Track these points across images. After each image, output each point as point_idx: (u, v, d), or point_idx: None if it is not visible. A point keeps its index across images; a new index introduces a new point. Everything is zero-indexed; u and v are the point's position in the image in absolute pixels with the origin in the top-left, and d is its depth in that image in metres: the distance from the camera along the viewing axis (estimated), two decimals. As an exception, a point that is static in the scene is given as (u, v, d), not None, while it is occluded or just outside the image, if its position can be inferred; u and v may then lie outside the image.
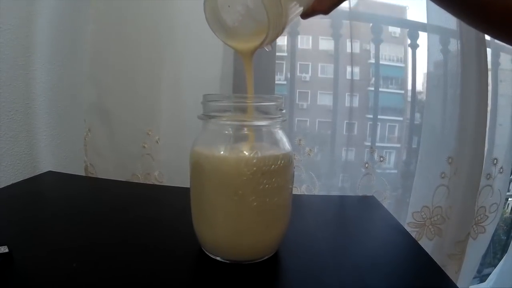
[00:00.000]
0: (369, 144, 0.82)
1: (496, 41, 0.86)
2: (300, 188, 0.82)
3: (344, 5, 0.76)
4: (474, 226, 0.86)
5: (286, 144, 0.40)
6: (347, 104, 0.80)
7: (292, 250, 0.44)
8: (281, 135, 0.41)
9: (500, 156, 0.87)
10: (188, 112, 0.75)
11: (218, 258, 0.40)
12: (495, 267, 1.06)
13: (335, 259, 0.43)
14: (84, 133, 0.83)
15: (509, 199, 1.10)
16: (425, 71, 0.82)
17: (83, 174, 0.83)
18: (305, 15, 0.39)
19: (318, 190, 0.82)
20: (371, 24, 0.82)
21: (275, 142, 0.40)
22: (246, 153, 0.37)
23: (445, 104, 0.80)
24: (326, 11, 0.40)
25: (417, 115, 0.86)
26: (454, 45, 0.78)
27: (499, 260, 1.06)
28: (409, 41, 0.84)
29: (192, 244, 0.43)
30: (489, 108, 0.84)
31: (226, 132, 0.39)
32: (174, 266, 0.39)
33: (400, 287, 0.39)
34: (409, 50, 0.84)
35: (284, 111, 0.41)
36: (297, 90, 0.84)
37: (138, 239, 0.45)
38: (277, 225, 0.41)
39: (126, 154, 0.80)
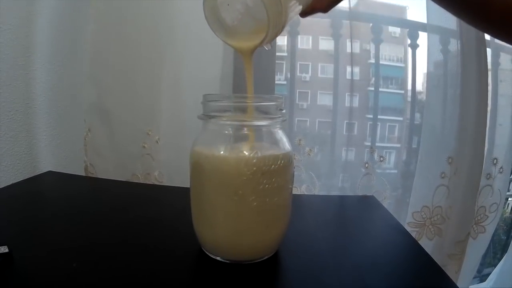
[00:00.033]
0: (369, 144, 0.83)
1: (496, 41, 0.86)
2: (300, 188, 0.82)
3: (344, 5, 0.77)
4: (474, 226, 0.86)
5: (286, 144, 0.40)
6: (347, 104, 0.80)
7: (292, 250, 0.44)
8: (281, 135, 0.41)
9: (500, 156, 0.87)
10: (188, 112, 0.75)
11: (218, 258, 0.40)
12: (495, 267, 1.06)
13: (335, 259, 0.43)
14: (84, 133, 0.83)
15: (509, 199, 1.10)
16: (425, 71, 0.82)
17: (83, 174, 0.83)
18: (304, 13, 0.39)
19: (318, 190, 0.82)
20: (371, 24, 0.82)
21: (275, 142, 0.40)
22: (246, 153, 0.37)
23: (445, 104, 0.80)
24: (325, 9, 0.40)
25: (417, 115, 0.86)
26: (454, 45, 0.78)
27: (499, 260, 1.06)
28: (409, 41, 0.84)
29: (192, 244, 0.43)
30: (489, 108, 0.84)
31: (226, 132, 0.39)
32: (174, 266, 0.39)
33: (400, 287, 0.39)
34: (409, 50, 0.84)
35: (284, 111, 0.41)
36: (297, 90, 0.84)
37: (138, 239, 0.45)
38: (277, 225, 0.41)
39: (126, 154, 0.80)
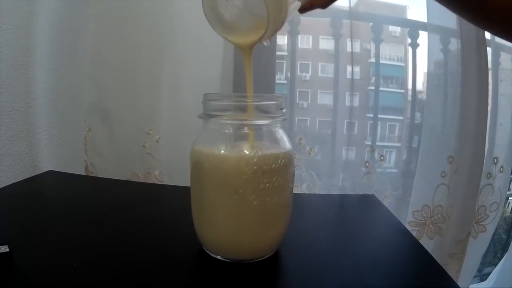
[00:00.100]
0: (369, 143, 0.82)
1: (497, 40, 0.86)
2: (301, 187, 0.82)
3: (344, 5, 0.77)
4: (475, 225, 0.86)
5: (286, 143, 0.40)
6: (347, 103, 0.80)
7: (293, 249, 0.44)
8: (281, 134, 0.41)
9: (501, 155, 0.87)
10: (188, 112, 0.75)
11: (218, 257, 0.40)
12: (495, 266, 1.06)
13: (335, 259, 0.43)
14: (84, 132, 0.83)
15: (510, 198, 1.10)
16: (426, 70, 0.82)
17: (83, 173, 0.83)
18: (303, 9, 0.39)
19: (318, 189, 0.82)
20: (371, 24, 0.82)
21: (276, 141, 0.40)
22: (247, 152, 0.37)
23: (446, 104, 0.80)
24: (323, 5, 0.40)
25: (418, 114, 0.86)
26: (454, 44, 0.78)
27: (500, 259, 1.06)
28: (409, 41, 0.83)
29: (193, 243, 0.43)
30: (489, 108, 0.84)
31: (227, 131, 0.39)
32: (175, 265, 0.39)
33: (401, 286, 0.39)
34: (410, 50, 0.84)
35: (284, 110, 0.41)
36: (298, 89, 0.84)
37: (139, 239, 0.45)
38: (278, 224, 0.41)
39: (126, 153, 0.80)
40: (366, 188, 0.81)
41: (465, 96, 0.78)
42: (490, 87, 0.82)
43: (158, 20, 0.74)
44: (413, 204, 0.83)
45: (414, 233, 0.80)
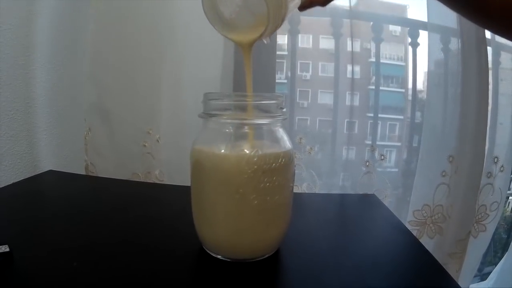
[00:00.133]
0: (369, 142, 0.82)
1: (497, 39, 0.86)
2: (301, 187, 0.82)
3: (344, 4, 0.77)
4: (475, 225, 0.86)
5: (286, 143, 0.40)
6: (347, 102, 0.80)
7: (293, 249, 0.44)
8: (281, 133, 0.41)
9: (501, 155, 0.87)
10: (188, 111, 0.75)
11: (219, 257, 0.40)
12: (496, 266, 1.06)
13: (335, 258, 0.43)
14: (85, 132, 0.83)
15: (510, 197, 1.10)
16: (426, 69, 0.82)
17: (83, 173, 0.83)
18: (303, 7, 0.39)
19: (319, 188, 0.82)
20: (371, 23, 0.81)
21: (276, 141, 0.40)
22: (247, 151, 0.37)
23: (446, 103, 0.80)
24: (323, 3, 0.40)
25: (418, 113, 0.86)
26: (454, 43, 0.78)
27: (500, 258, 1.06)
28: (409, 40, 0.83)
29: (193, 243, 0.43)
30: (489, 107, 0.84)
31: (227, 130, 0.39)
32: (175, 264, 0.39)
33: (401, 286, 0.39)
34: (410, 49, 0.84)
35: (284, 109, 0.41)
36: (298, 89, 0.84)
37: (139, 239, 0.45)
38: (278, 223, 0.41)
39: (126, 153, 0.80)
40: (366, 188, 0.81)
41: (465, 96, 0.78)
42: (490, 86, 0.82)
43: (158, 20, 0.74)
44: (413, 204, 0.83)
45: (414, 233, 0.80)
